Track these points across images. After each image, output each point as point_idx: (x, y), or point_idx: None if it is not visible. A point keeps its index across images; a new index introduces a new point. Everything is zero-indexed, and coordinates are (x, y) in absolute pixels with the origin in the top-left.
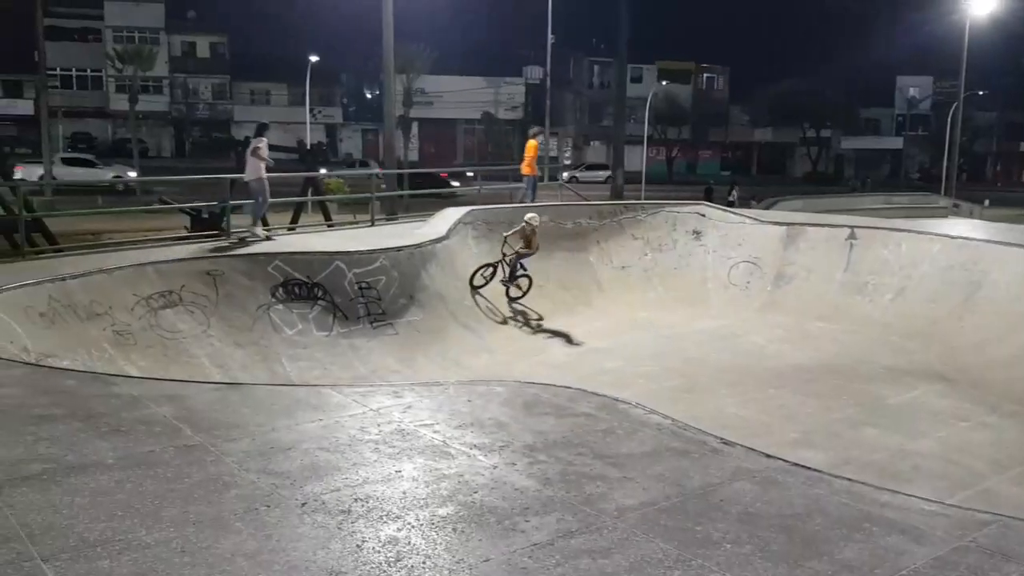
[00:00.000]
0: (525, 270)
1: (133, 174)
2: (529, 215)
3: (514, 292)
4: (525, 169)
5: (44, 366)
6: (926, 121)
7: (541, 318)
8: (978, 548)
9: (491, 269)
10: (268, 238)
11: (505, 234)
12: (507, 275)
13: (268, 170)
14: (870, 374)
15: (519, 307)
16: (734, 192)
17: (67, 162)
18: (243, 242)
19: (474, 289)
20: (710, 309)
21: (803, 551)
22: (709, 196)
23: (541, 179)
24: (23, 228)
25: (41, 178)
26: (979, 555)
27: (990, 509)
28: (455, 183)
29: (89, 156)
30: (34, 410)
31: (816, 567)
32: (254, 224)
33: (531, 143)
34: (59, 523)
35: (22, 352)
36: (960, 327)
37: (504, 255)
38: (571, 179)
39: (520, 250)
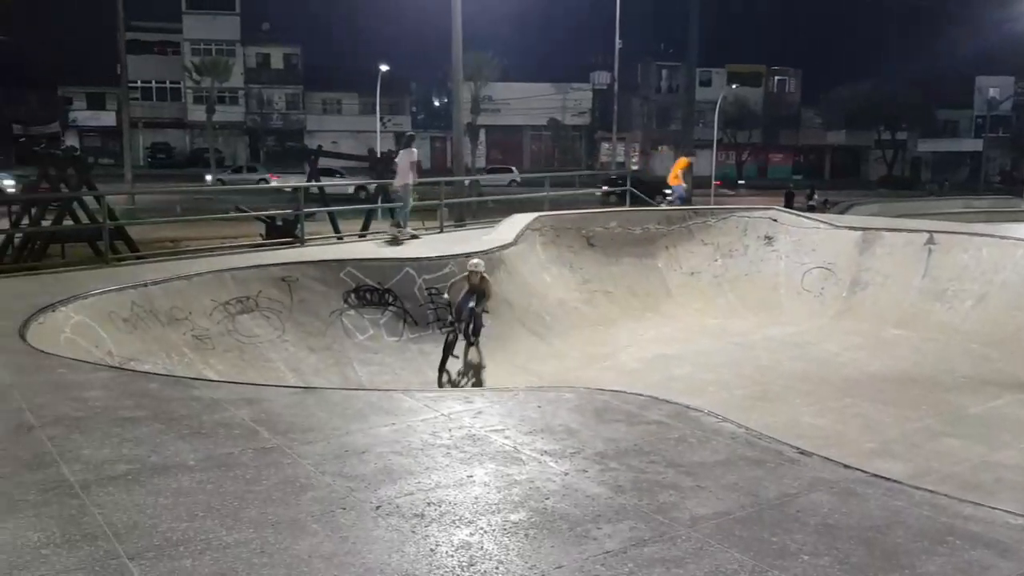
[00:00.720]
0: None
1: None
2: (472, 261)
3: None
4: (672, 180)
5: (128, 370)
6: (1007, 122)
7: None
8: None
9: (452, 347)
10: (414, 236)
11: (452, 281)
12: (467, 333)
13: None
14: (950, 383)
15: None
16: (815, 196)
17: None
18: (396, 241)
19: (443, 374)
20: (782, 316)
21: (883, 564)
22: (789, 202)
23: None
24: (107, 236)
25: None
26: None
27: None
28: (667, 191)
29: (334, 167)
30: (119, 412)
31: None
32: (404, 226)
33: (683, 160)
34: (143, 522)
35: (107, 356)
36: None
37: (457, 316)
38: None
39: (476, 308)
